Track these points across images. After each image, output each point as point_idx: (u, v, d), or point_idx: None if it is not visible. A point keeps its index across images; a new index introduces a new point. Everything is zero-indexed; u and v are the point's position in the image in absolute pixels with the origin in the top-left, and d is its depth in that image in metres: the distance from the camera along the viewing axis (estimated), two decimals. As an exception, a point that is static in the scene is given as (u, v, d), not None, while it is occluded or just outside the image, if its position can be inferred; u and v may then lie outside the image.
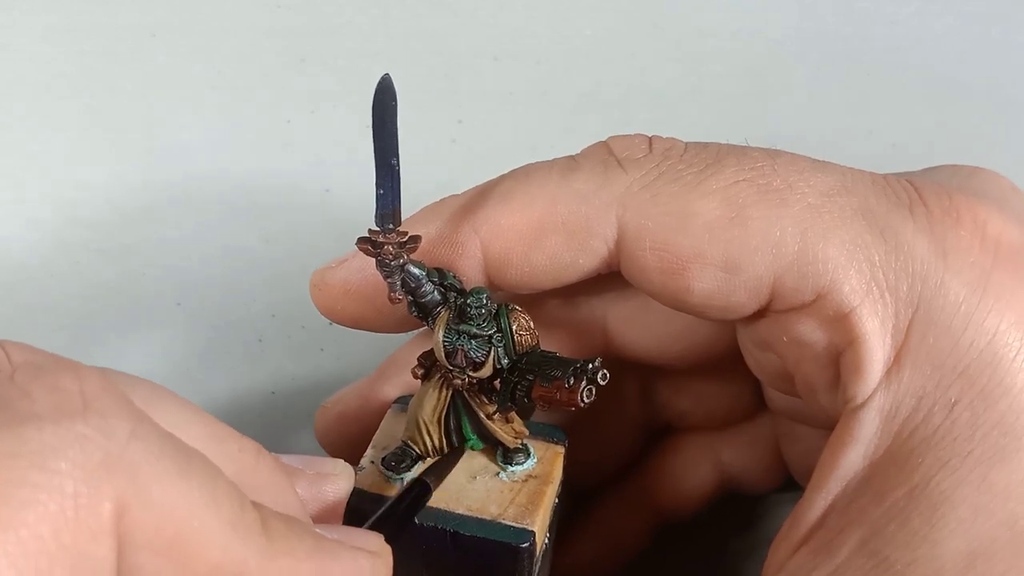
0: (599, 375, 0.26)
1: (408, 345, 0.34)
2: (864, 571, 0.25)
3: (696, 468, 0.37)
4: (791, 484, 0.38)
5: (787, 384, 0.30)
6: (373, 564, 0.22)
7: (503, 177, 0.30)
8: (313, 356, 0.44)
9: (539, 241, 0.29)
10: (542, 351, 0.28)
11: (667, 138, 0.30)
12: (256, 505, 0.21)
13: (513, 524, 0.27)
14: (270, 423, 0.45)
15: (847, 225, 0.27)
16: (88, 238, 0.43)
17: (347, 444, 0.33)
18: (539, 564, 0.28)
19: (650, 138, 0.30)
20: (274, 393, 0.45)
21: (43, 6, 0.41)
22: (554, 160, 0.30)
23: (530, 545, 0.27)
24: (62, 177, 0.42)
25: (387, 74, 0.25)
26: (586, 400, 0.26)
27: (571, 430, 0.31)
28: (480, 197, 0.29)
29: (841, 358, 0.27)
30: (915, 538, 0.25)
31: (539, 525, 0.27)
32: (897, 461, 0.26)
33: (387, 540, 0.24)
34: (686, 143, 0.30)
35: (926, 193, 0.28)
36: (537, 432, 0.30)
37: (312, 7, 0.42)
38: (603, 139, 0.30)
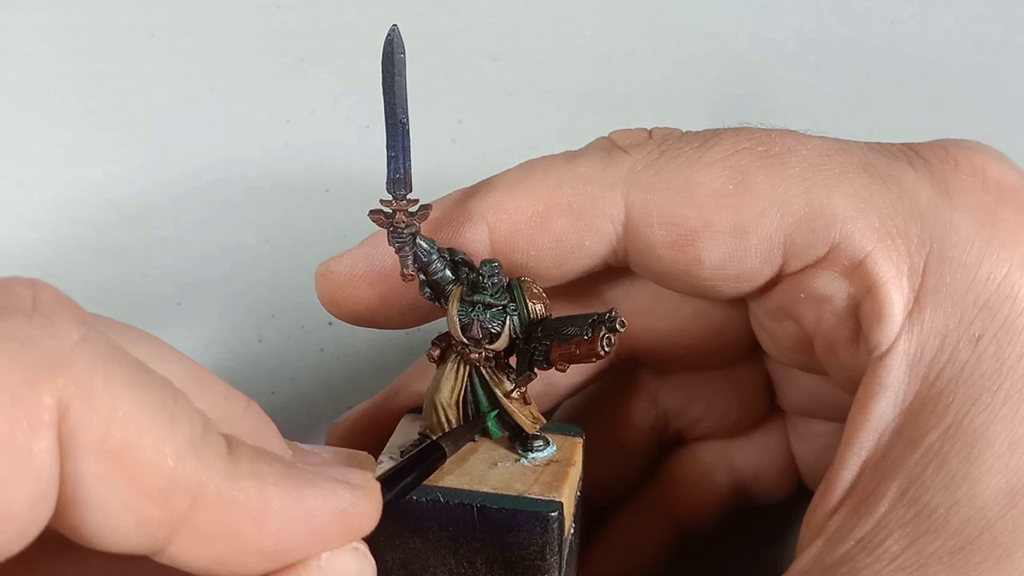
0: (617, 322, 0.26)
1: (418, 363, 0.34)
2: (906, 521, 0.25)
3: (711, 476, 0.37)
4: (802, 493, 0.38)
5: (805, 355, 0.30)
6: (353, 495, 0.21)
7: (508, 169, 0.30)
8: (313, 356, 0.44)
9: (545, 223, 0.29)
10: (556, 317, 0.28)
11: (665, 127, 0.31)
12: (228, 436, 0.20)
13: (540, 497, 0.27)
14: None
15: (849, 178, 0.27)
16: (88, 238, 0.43)
17: None
18: (568, 550, 0.28)
19: (649, 130, 0.31)
20: (274, 393, 0.45)
21: (43, 6, 0.41)
22: (559, 153, 0.30)
23: (559, 515, 0.26)
24: (62, 177, 0.42)
25: (395, 25, 0.25)
26: (606, 349, 0.26)
27: (585, 444, 0.31)
28: (486, 185, 0.30)
29: (860, 308, 0.27)
30: (954, 480, 0.25)
31: (566, 498, 0.27)
32: (928, 404, 0.26)
33: (392, 500, 0.24)
34: (683, 131, 0.30)
35: (922, 149, 0.29)
36: (554, 429, 0.30)
37: (312, 7, 0.42)
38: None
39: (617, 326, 0.26)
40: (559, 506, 0.26)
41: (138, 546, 0.19)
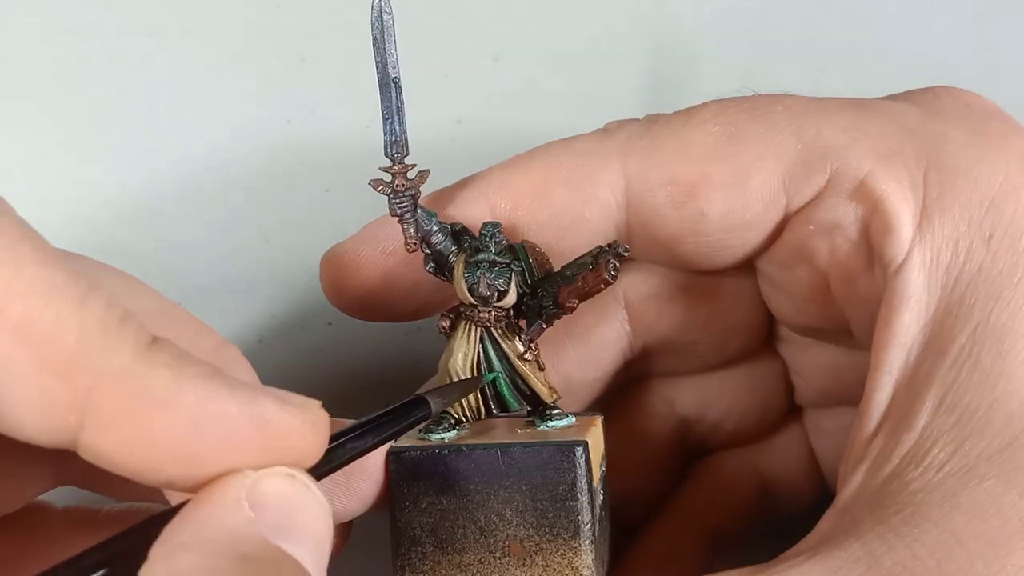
0: (620, 247, 0.26)
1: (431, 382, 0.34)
2: (947, 428, 0.25)
3: (738, 482, 0.37)
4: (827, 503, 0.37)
5: (822, 304, 0.30)
6: (281, 408, 0.20)
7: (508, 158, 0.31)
8: (313, 356, 0.44)
9: (545, 196, 0.29)
10: (559, 269, 0.28)
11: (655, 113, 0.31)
12: (160, 337, 0.20)
13: (564, 439, 0.27)
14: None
15: (836, 113, 0.28)
16: (88, 238, 0.43)
17: None
18: (598, 510, 0.28)
19: (641, 118, 0.31)
20: (274, 393, 0.44)
21: (43, 6, 0.41)
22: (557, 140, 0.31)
23: (584, 449, 0.26)
24: (62, 177, 0.42)
25: None
26: (612, 274, 0.26)
27: (609, 460, 0.31)
28: (487, 170, 0.30)
29: (870, 228, 0.27)
30: (990, 378, 0.25)
31: (592, 442, 0.27)
32: (951, 310, 0.26)
33: (366, 450, 0.23)
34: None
35: (904, 92, 0.30)
36: (572, 412, 0.30)
37: (312, 7, 0.42)
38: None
39: (621, 251, 0.26)
40: (584, 443, 0.26)
41: (54, 433, 0.19)
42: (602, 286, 0.27)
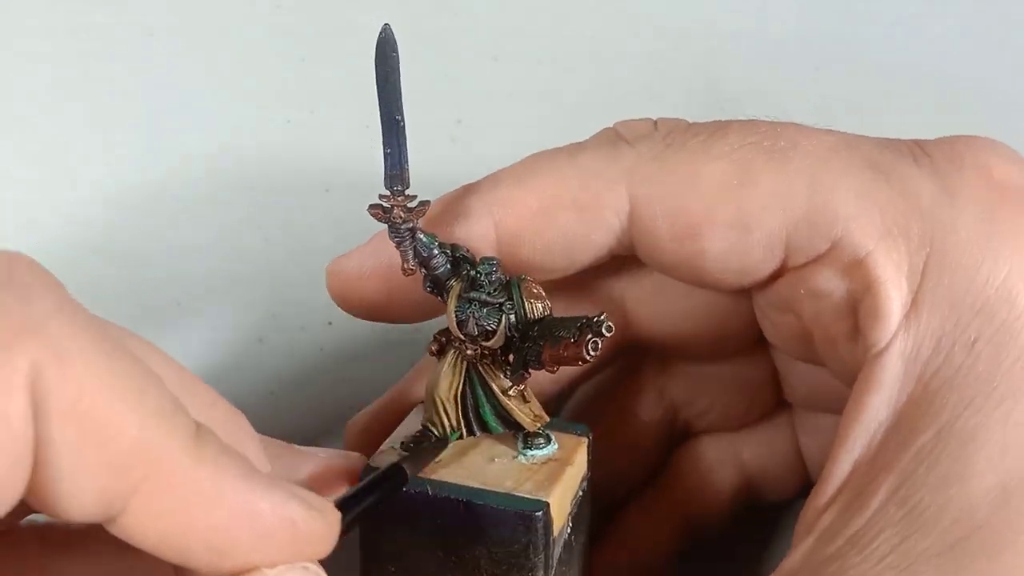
0: (604, 327, 0.26)
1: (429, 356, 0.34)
2: (896, 520, 0.25)
3: (719, 470, 0.37)
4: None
5: (806, 347, 0.30)
6: (307, 512, 0.21)
7: (512, 164, 0.30)
8: (313, 356, 0.44)
9: (551, 218, 0.29)
10: (553, 318, 0.28)
11: (671, 118, 0.30)
12: (200, 424, 0.20)
13: (527, 495, 0.27)
14: (270, 423, 0.45)
15: (853, 175, 0.27)
16: (88, 238, 0.43)
17: (375, 448, 0.33)
18: (560, 550, 0.28)
19: (655, 120, 0.31)
20: (274, 393, 0.44)
21: (43, 6, 0.41)
22: (563, 146, 0.30)
23: (543, 515, 0.26)
24: (62, 177, 0.42)
25: (387, 24, 0.25)
26: (592, 353, 0.26)
27: (594, 438, 0.31)
28: (490, 181, 0.30)
29: (859, 305, 0.27)
30: (946, 480, 0.25)
31: (556, 500, 0.27)
32: (922, 405, 0.26)
33: (351, 522, 0.24)
34: (689, 122, 0.30)
35: (928, 145, 0.29)
36: (560, 427, 0.30)
37: (312, 7, 0.42)
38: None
39: (604, 331, 0.26)
40: (544, 506, 0.26)
41: (95, 514, 0.19)
42: (579, 363, 0.26)
